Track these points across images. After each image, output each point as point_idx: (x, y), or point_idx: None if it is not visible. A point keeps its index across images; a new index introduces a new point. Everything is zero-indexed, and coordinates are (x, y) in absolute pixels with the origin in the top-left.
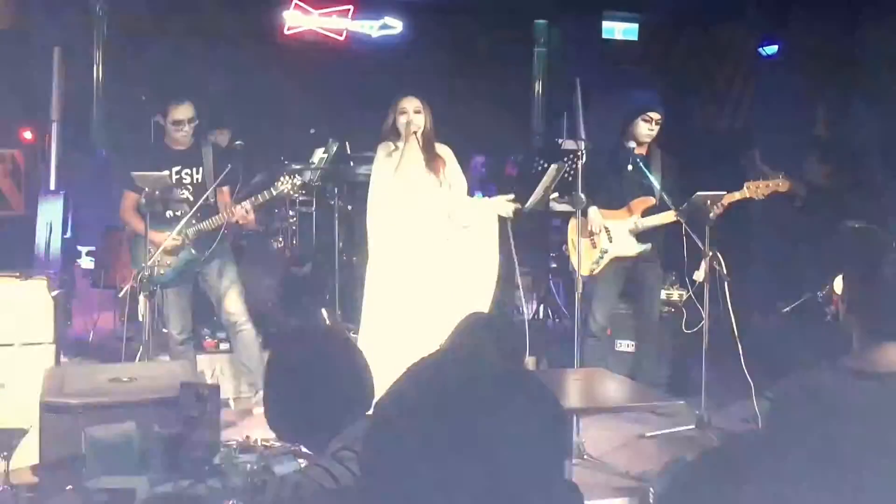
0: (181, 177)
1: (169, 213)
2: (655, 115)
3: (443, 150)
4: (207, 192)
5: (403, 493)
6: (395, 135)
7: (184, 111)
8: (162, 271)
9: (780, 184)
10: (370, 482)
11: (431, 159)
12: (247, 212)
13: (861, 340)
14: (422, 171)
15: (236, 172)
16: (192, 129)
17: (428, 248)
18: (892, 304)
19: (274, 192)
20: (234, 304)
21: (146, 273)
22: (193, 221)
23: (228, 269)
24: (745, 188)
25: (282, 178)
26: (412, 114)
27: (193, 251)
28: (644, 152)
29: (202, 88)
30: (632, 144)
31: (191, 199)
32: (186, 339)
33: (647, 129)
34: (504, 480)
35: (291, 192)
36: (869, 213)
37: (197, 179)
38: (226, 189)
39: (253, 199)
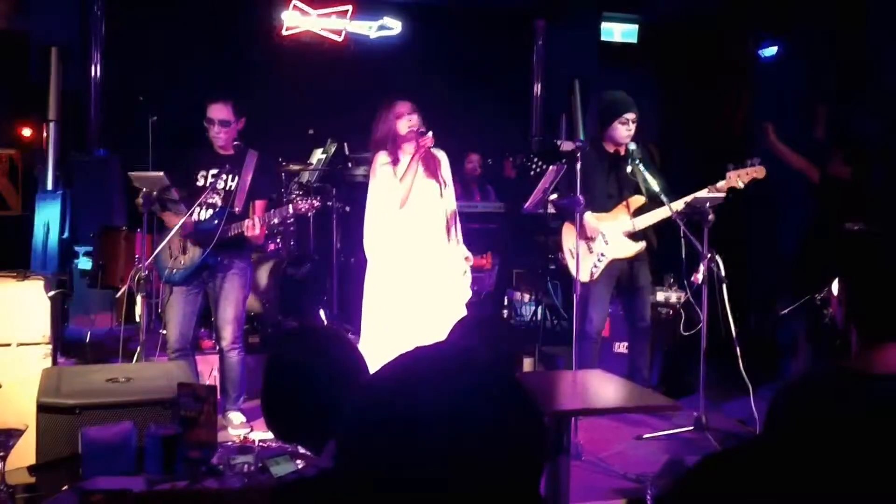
0: (215, 181)
1: (194, 217)
2: (631, 116)
3: (438, 151)
4: (205, 194)
5: (374, 479)
6: (391, 142)
7: (216, 111)
8: (175, 270)
9: (758, 171)
10: (344, 461)
11: (429, 160)
12: (253, 225)
13: (859, 342)
14: (424, 173)
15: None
16: (227, 132)
17: (431, 251)
18: (890, 306)
19: (291, 211)
20: (226, 327)
21: (144, 273)
22: (216, 222)
23: (233, 285)
24: (727, 177)
25: (304, 200)
26: (409, 115)
27: (206, 254)
28: (623, 151)
29: (201, 89)
30: (611, 147)
31: (218, 204)
32: (181, 349)
33: (625, 130)
34: (467, 482)
35: (308, 214)
36: (877, 214)
37: (231, 187)
38: (260, 203)
39: (268, 214)
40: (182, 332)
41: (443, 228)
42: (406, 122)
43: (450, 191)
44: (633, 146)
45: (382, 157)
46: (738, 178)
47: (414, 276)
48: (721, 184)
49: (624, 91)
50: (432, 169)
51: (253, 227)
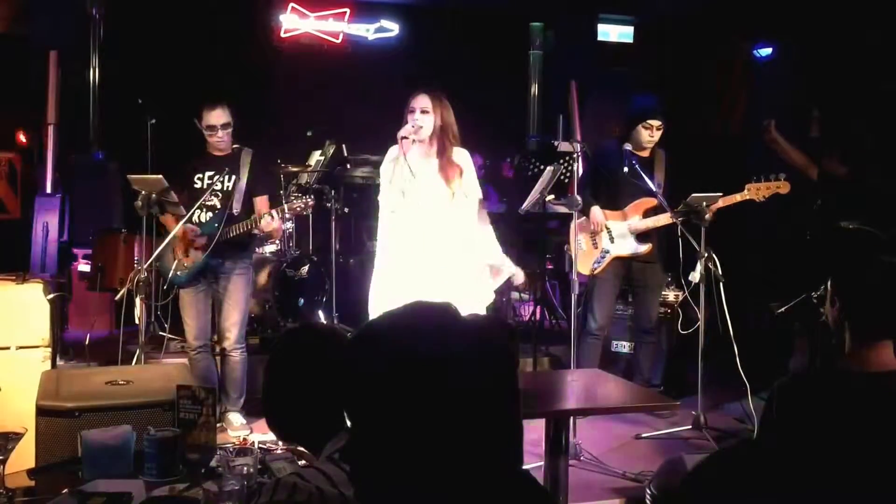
0: (213, 182)
1: (195, 219)
2: (655, 123)
3: (460, 155)
4: (205, 196)
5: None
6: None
7: (216, 116)
8: (179, 272)
9: (781, 185)
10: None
11: (443, 166)
12: (273, 218)
13: (852, 341)
14: (427, 177)
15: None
16: (228, 134)
17: (435, 256)
18: (883, 305)
19: (287, 211)
20: (231, 328)
21: (143, 275)
22: (216, 225)
23: (237, 287)
24: (745, 189)
25: (298, 199)
26: (419, 114)
27: (210, 255)
28: (647, 154)
29: (199, 91)
30: (632, 147)
31: (218, 206)
32: (202, 347)
33: (647, 135)
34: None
35: (304, 213)
36: (872, 214)
37: (228, 187)
38: (262, 199)
39: (280, 209)
40: (200, 329)
41: (451, 235)
42: (410, 121)
43: (468, 202)
44: (628, 147)
45: (391, 153)
46: (757, 191)
47: (415, 277)
48: (736, 196)
49: (654, 98)
50: (448, 175)
51: (270, 222)
